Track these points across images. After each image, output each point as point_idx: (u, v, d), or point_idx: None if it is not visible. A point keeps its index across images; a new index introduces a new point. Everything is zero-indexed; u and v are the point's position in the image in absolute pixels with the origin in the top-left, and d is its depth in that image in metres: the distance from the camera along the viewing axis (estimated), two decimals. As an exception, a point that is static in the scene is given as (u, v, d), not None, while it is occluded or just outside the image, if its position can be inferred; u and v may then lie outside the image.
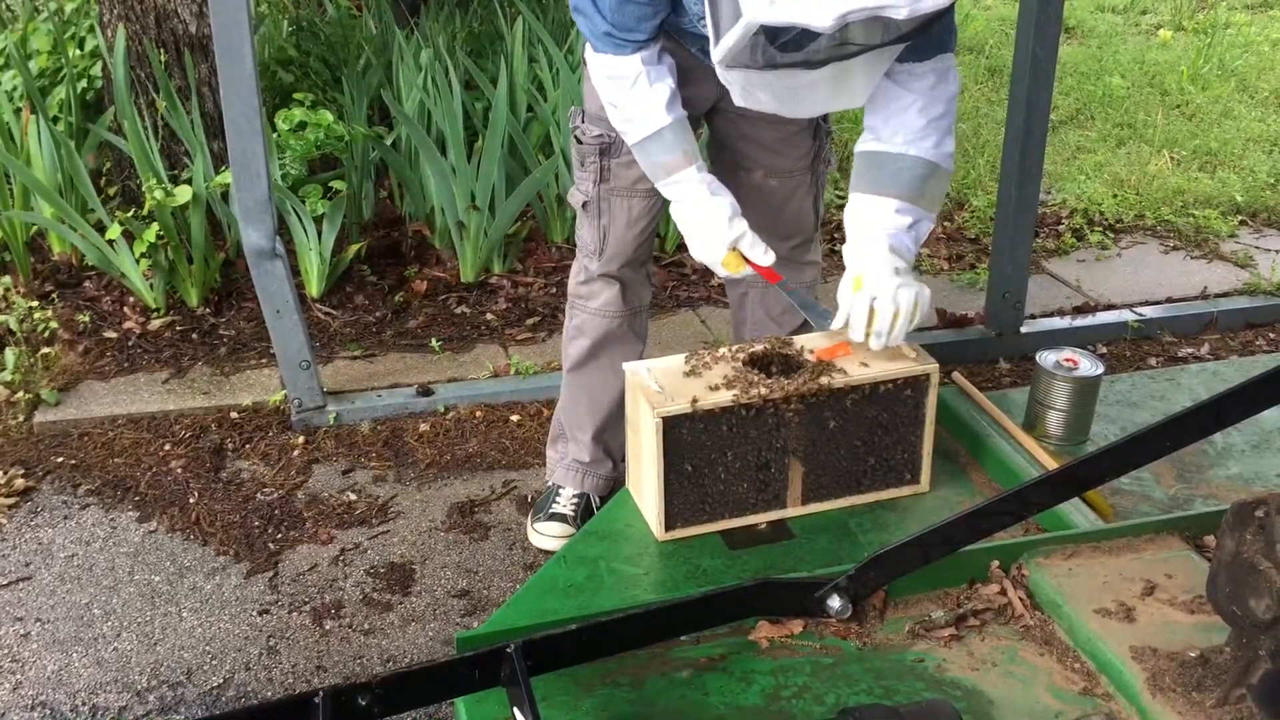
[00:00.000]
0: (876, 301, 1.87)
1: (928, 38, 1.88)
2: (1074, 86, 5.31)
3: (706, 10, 1.69)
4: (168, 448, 2.80)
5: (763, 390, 1.86)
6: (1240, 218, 4.05)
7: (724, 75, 1.76)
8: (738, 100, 1.87)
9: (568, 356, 2.44)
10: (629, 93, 2.00)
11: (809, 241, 2.39)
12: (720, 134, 2.32)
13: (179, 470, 2.72)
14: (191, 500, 2.62)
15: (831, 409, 1.92)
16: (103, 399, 2.97)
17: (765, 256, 2.03)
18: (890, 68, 1.91)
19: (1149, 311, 3.40)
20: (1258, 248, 3.85)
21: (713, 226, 2.02)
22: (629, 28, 1.93)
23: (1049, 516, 1.90)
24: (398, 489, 2.67)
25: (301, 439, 2.82)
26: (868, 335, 1.90)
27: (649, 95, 2.00)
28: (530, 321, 3.35)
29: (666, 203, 2.13)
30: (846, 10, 1.49)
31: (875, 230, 1.96)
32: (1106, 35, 6.22)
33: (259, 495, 2.63)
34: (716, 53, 1.64)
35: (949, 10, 1.88)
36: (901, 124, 1.94)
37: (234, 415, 2.91)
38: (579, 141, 2.26)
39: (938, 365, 1.94)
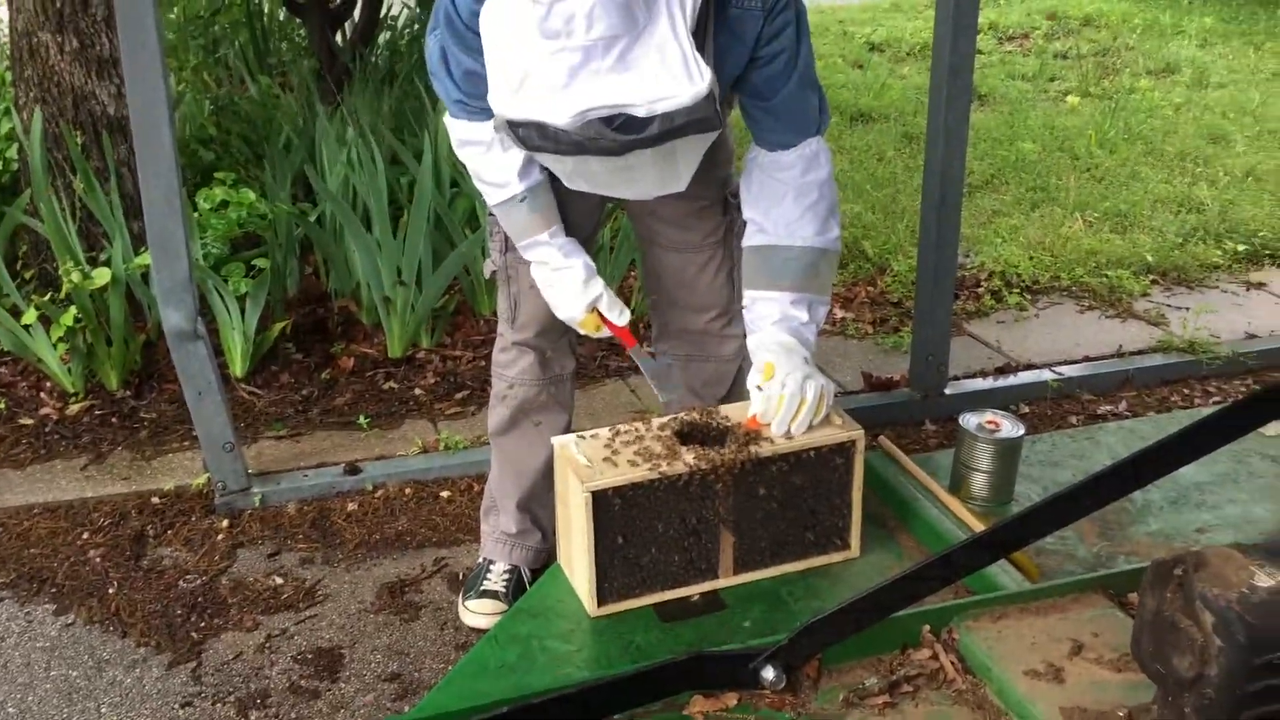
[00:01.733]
0: (786, 390, 1.90)
1: (792, 125, 1.94)
2: (987, 152, 5.46)
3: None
4: (86, 536, 2.72)
5: (691, 462, 1.87)
6: (1152, 277, 4.17)
7: (538, 159, 1.84)
8: (565, 184, 1.94)
9: (490, 424, 2.43)
10: (484, 158, 2.04)
11: (727, 314, 2.39)
12: (631, 208, 2.35)
13: (98, 560, 2.64)
14: (111, 590, 2.54)
15: (760, 478, 1.92)
16: (18, 488, 2.89)
17: (620, 317, 2.11)
18: (760, 159, 1.99)
19: (1068, 370, 3.47)
20: (1169, 305, 3.96)
21: (569, 289, 2.09)
22: (480, 95, 1.87)
23: (977, 578, 1.92)
24: (325, 571, 2.62)
25: (226, 523, 2.76)
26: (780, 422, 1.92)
27: (503, 161, 2.03)
28: (459, 395, 3.34)
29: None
30: (585, 107, 1.54)
31: (777, 323, 2.01)
32: (1017, 102, 6.43)
33: (181, 583, 2.56)
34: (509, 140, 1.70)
35: (804, 95, 1.95)
36: (780, 215, 2.00)
37: (155, 500, 2.84)
38: (490, 213, 2.26)
39: (863, 431, 1.96)
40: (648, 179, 1.78)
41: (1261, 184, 5.01)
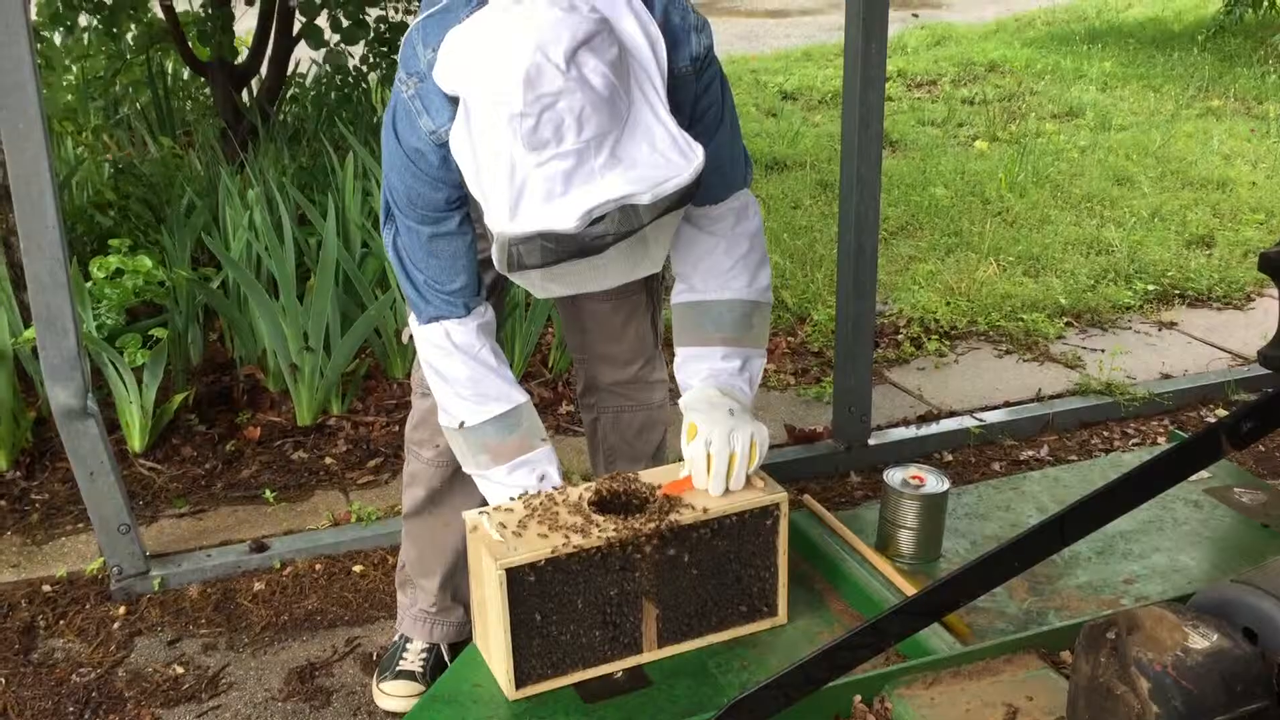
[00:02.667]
0: (712, 447, 1.85)
1: (722, 178, 1.91)
2: (901, 198, 5.51)
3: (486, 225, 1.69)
4: (-30, 630, 2.55)
5: (609, 532, 1.80)
6: (1066, 319, 4.21)
7: (515, 279, 1.75)
8: (538, 295, 1.90)
9: (405, 504, 2.34)
10: (477, 368, 1.94)
11: (653, 360, 2.36)
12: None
13: (-17, 655, 2.48)
14: (-3, 688, 2.38)
15: (681, 546, 1.86)
16: (-103, 579, 2.71)
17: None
18: (690, 213, 1.94)
19: (989, 416, 3.47)
20: (1084, 348, 3.99)
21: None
22: (454, 276, 1.90)
23: (908, 641, 1.86)
24: (230, 657, 2.48)
25: (122, 609, 2.61)
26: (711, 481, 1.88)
27: (501, 369, 1.96)
28: (372, 463, 3.22)
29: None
30: (590, 207, 1.53)
31: (704, 380, 1.97)
32: (928, 147, 6.51)
33: (75, 676, 2.41)
34: (498, 266, 1.63)
35: (733, 146, 1.95)
36: (711, 268, 1.98)
37: (46, 589, 2.68)
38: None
39: (786, 494, 1.91)
40: (619, 268, 1.74)
41: (1167, 224, 5.11)
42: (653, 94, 1.62)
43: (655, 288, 2.34)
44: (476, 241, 1.94)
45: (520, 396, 1.96)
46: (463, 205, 1.88)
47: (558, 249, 1.56)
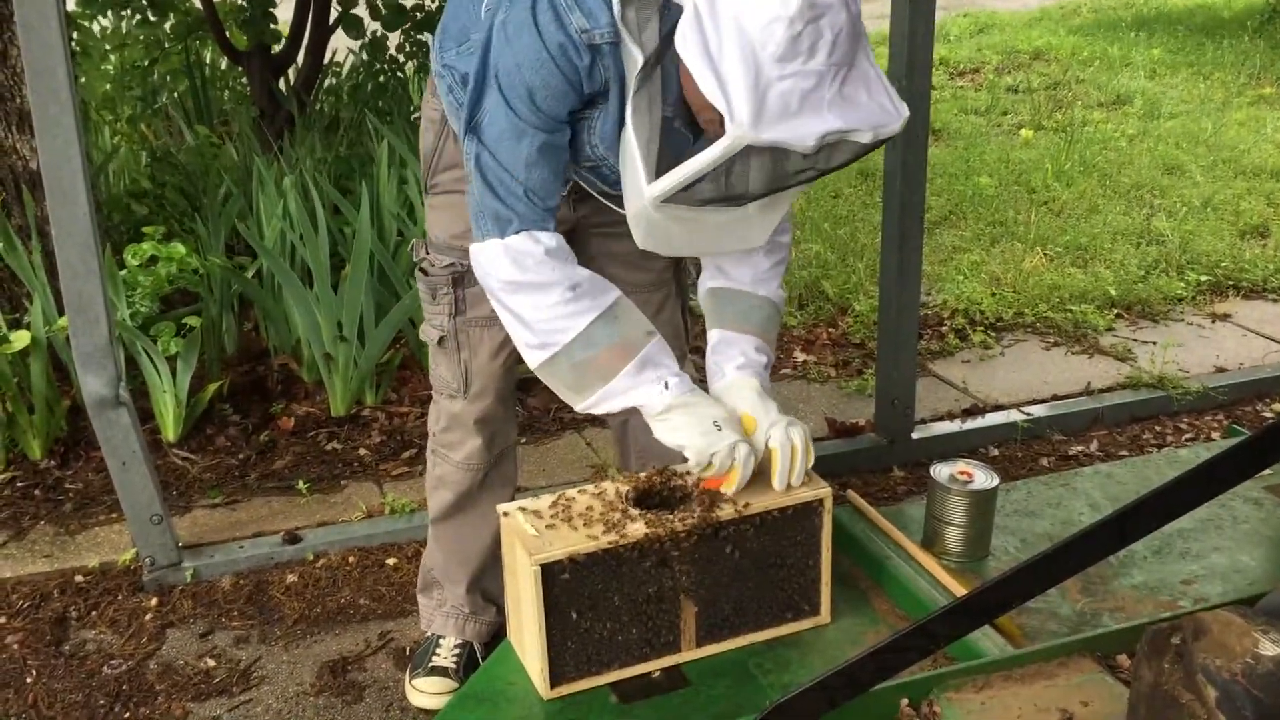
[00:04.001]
0: (773, 441, 1.81)
1: None
2: (945, 187, 5.41)
3: (635, 150, 1.63)
4: (3, 621, 2.53)
5: (647, 529, 1.74)
6: (1116, 311, 4.10)
7: (644, 213, 1.69)
8: (642, 242, 1.80)
9: (432, 506, 2.28)
10: (562, 271, 1.78)
11: (683, 356, 2.30)
12: (579, 256, 2.22)
13: (15, 646, 2.45)
14: (29, 680, 2.36)
15: (722, 542, 1.80)
16: (-69, 569, 2.70)
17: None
18: None
19: (1037, 410, 3.38)
20: (1135, 340, 3.89)
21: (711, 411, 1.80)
22: (547, 190, 1.77)
23: (957, 643, 1.79)
24: (262, 650, 2.45)
25: (154, 601, 2.58)
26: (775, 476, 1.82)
27: (584, 269, 1.82)
28: (406, 455, 3.18)
29: None
30: (825, 131, 1.51)
31: (745, 369, 1.93)
32: (971, 136, 6.40)
33: (105, 669, 2.38)
34: (655, 187, 1.59)
35: None
36: (750, 267, 1.97)
37: (79, 579, 2.66)
38: (425, 274, 2.11)
39: (830, 489, 1.84)
40: (746, 232, 1.74)
41: (1219, 214, 4.98)
42: (865, 44, 1.60)
43: (682, 280, 2.28)
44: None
45: (615, 289, 1.83)
46: (570, 127, 1.80)
47: (772, 172, 1.55)
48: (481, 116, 1.75)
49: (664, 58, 1.64)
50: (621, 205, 1.79)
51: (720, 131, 1.55)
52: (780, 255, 1.99)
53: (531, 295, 1.78)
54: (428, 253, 2.12)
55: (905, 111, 1.59)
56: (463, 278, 2.07)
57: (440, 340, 2.15)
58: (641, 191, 1.65)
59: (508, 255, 1.77)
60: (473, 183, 1.78)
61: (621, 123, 1.72)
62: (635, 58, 1.64)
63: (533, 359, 1.81)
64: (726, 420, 1.78)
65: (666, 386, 1.78)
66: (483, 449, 2.19)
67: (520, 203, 1.76)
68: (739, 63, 1.49)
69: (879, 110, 1.57)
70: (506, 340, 2.12)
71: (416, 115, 4.11)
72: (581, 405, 1.83)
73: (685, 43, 1.54)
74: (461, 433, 2.18)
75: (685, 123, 1.73)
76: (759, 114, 1.49)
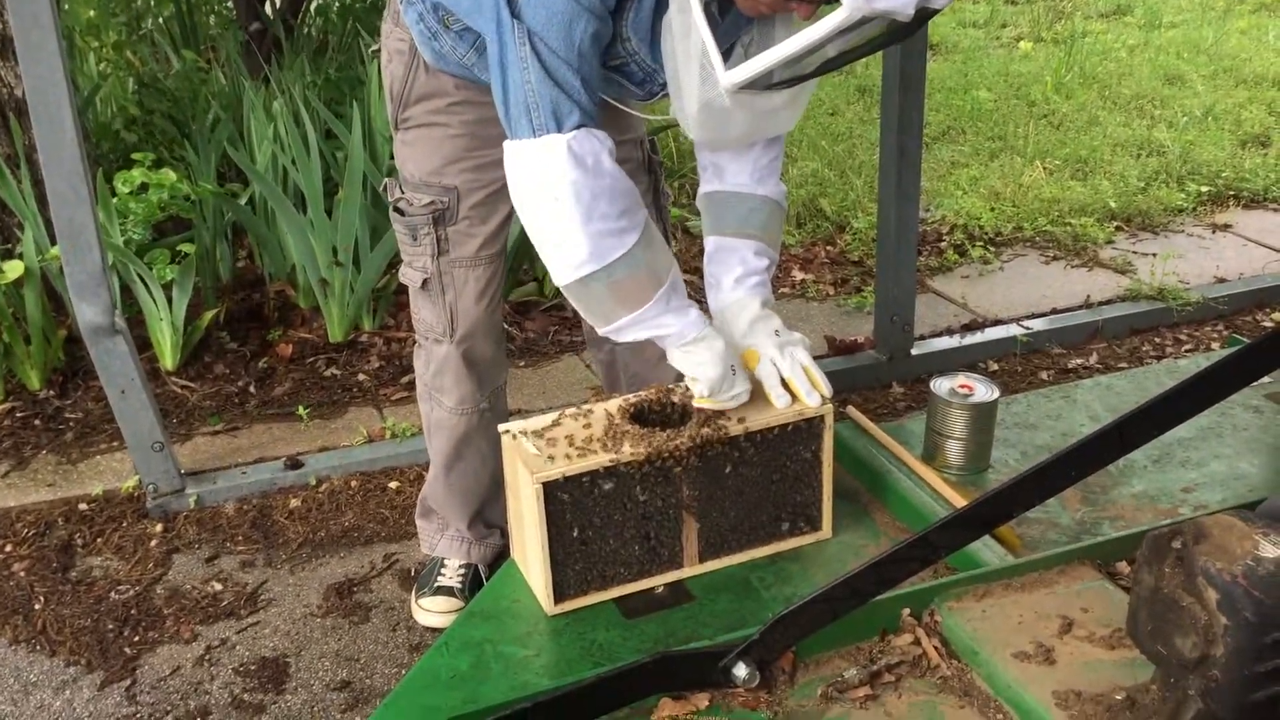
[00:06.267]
0: (783, 369, 1.81)
1: None
2: (943, 102, 5.34)
3: (703, 40, 1.56)
4: (9, 549, 2.55)
5: (648, 446, 1.74)
6: (1115, 223, 4.08)
7: (711, 104, 1.62)
8: (699, 134, 1.72)
9: (431, 449, 2.27)
10: (601, 184, 1.63)
11: None
12: None
13: (22, 573, 2.47)
14: (37, 606, 2.38)
15: (723, 459, 1.80)
16: (-65, 499, 2.71)
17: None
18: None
19: (1036, 324, 3.37)
20: (1135, 252, 3.87)
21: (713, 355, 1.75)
22: (594, 81, 1.65)
23: (957, 554, 1.81)
24: (268, 574, 2.47)
25: (159, 527, 2.60)
26: (795, 397, 1.81)
27: (624, 183, 1.68)
28: (405, 379, 3.18)
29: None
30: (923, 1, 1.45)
31: (744, 279, 1.91)
32: (970, 50, 6.31)
33: (113, 594, 2.40)
34: (738, 74, 1.53)
35: None
36: (748, 162, 1.91)
37: (83, 507, 2.67)
38: (402, 214, 2.03)
39: (831, 405, 1.84)
40: (791, 113, 1.73)
41: (1220, 123, 4.93)
42: None
43: (662, 204, 2.25)
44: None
45: (643, 206, 1.74)
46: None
47: (855, 44, 1.51)
48: (519, 5, 1.60)
49: None
50: (633, 107, 1.74)
51: (779, 8, 1.56)
52: (777, 148, 1.93)
53: (591, 203, 1.63)
54: (403, 192, 2.04)
55: None
56: (443, 215, 2.01)
57: (424, 283, 2.08)
58: (714, 81, 1.57)
59: (570, 153, 1.61)
60: (516, 71, 1.61)
61: (654, 12, 1.67)
62: None
63: (567, 275, 1.68)
64: (739, 367, 1.78)
65: (693, 318, 1.75)
66: (475, 391, 2.17)
67: (580, 94, 1.62)
68: None
69: None
70: (491, 279, 2.09)
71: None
72: (606, 329, 1.76)
73: None
74: (453, 377, 2.15)
75: (720, 9, 1.67)
76: None
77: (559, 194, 1.62)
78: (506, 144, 1.68)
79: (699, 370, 1.74)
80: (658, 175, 2.22)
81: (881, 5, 1.43)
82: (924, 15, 1.50)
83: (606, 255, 1.66)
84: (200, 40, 5.37)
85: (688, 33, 1.59)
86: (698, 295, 2.58)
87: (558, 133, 1.61)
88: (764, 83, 1.57)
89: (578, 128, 1.62)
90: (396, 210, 2.05)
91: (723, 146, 1.92)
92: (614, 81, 1.85)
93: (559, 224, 1.65)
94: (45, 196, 3.17)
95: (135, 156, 3.27)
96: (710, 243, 1.95)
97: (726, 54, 1.59)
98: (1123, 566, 1.82)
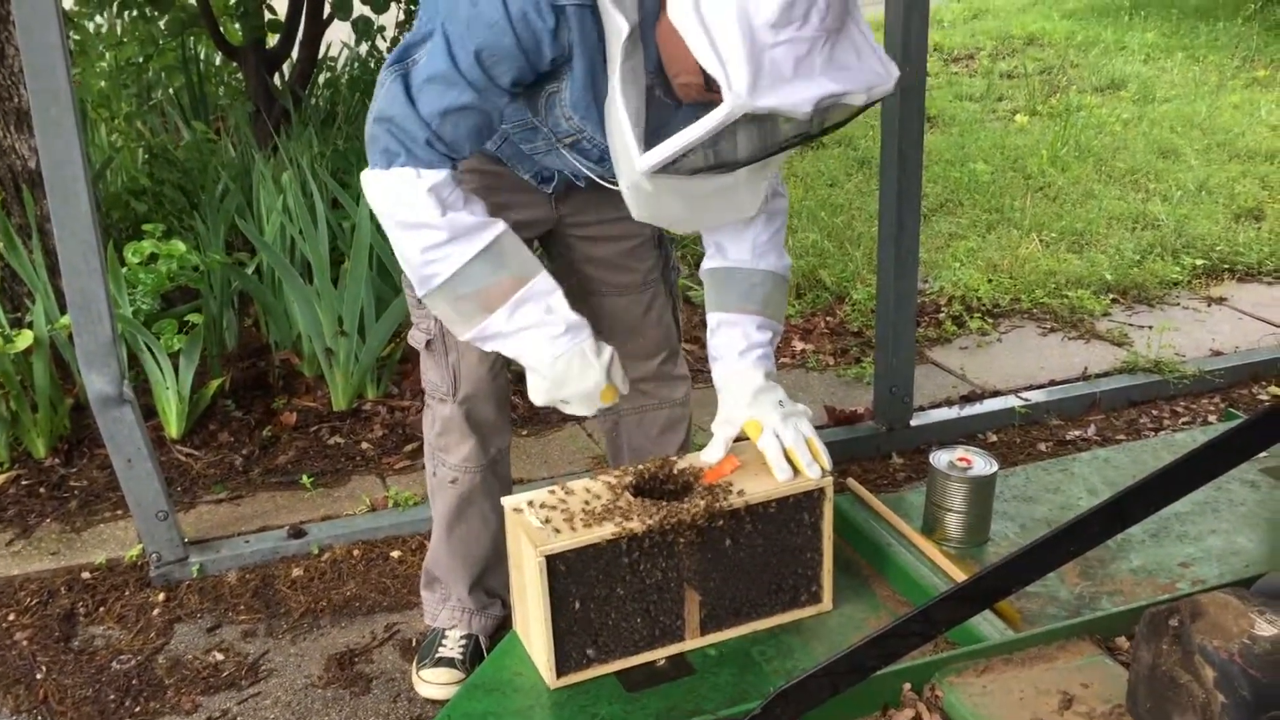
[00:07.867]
0: (785, 439, 1.85)
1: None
2: (940, 174, 5.42)
3: (623, 121, 1.61)
4: (12, 618, 2.55)
5: (650, 519, 1.76)
6: (1112, 296, 4.12)
7: (639, 186, 1.67)
8: (639, 214, 1.77)
9: (434, 509, 2.29)
10: (442, 209, 1.72)
11: (675, 355, 2.31)
12: (560, 260, 2.22)
13: (24, 643, 2.47)
14: (39, 676, 2.38)
15: (724, 532, 1.82)
16: (-61, 567, 2.72)
17: (625, 385, 1.86)
18: None
19: (1034, 396, 3.40)
20: (1131, 324, 3.91)
21: (582, 358, 1.80)
22: (457, 144, 1.73)
23: (957, 628, 1.82)
24: (269, 644, 2.47)
25: (162, 596, 2.60)
26: (797, 470, 1.85)
27: (471, 208, 1.75)
28: (409, 448, 3.20)
29: None
30: (821, 96, 1.50)
31: (748, 353, 1.94)
32: (967, 123, 6.41)
33: (115, 664, 2.40)
34: (648, 159, 1.58)
35: None
36: (749, 239, 1.96)
37: (86, 575, 2.68)
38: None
39: (831, 478, 1.86)
40: (736, 200, 1.75)
41: (1214, 197, 5.00)
42: (857, 12, 1.59)
43: (671, 279, 2.29)
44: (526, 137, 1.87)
45: (499, 225, 1.77)
46: (516, 98, 1.77)
47: (764, 139, 1.55)
48: (419, 55, 1.70)
49: (644, 25, 1.63)
50: (613, 181, 1.77)
51: (702, 97, 1.58)
52: (778, 223, 1.97)
53: (407, 232, 1.74)
54: None
55: (896, 71, 1.58)
56: None
57: (428, 344, 2.14)
58: (633, 163, 1.63)
59: (385, 188, 1.74)
60: (376, 107, 1.72)
61: (592, 88, 1.71)
62: (619, 26, 1.60)
63: (419, 290, 1.80)
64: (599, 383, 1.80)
65: (552, 336, 1.77)
66: (477, 451, 2.19)
67: (418, 145, 1.71)
68: (734, 30, 1.47)
69: (870, 72, 1.55)
70: None
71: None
72: (466, 337, 1.82)
73: (679, 10, 1.52)
74: (456, 436, 2.18)
75: (665, 91, 1.71)
76: (755, 81, 1.47)
77: (385, 225, 1.78)
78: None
79: (551, 373, 1.79)
80: (667, 250, 2.26)
81: (766, 102, 1.48)
82: (827, 118, 1.54)
83: (432, 280, 1.76)
84: (210, 111, 5.47)
85: (615, 112, 1.65)
86: (699, 364, 2.62)
87: (382, 169, 1.73)
88: (687, 168, 1.59)
89: (403, 166, 1.71)
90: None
91: (671, 227, 1.97)
92: (579, 160, 1.90)
93: (407, 251, 1.76)
94: (55, 266, 3.22)
95: (145, 228, 3.32)
96: (713, 318, 1.99)
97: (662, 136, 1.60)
98: (1122, 641, 1.83)
